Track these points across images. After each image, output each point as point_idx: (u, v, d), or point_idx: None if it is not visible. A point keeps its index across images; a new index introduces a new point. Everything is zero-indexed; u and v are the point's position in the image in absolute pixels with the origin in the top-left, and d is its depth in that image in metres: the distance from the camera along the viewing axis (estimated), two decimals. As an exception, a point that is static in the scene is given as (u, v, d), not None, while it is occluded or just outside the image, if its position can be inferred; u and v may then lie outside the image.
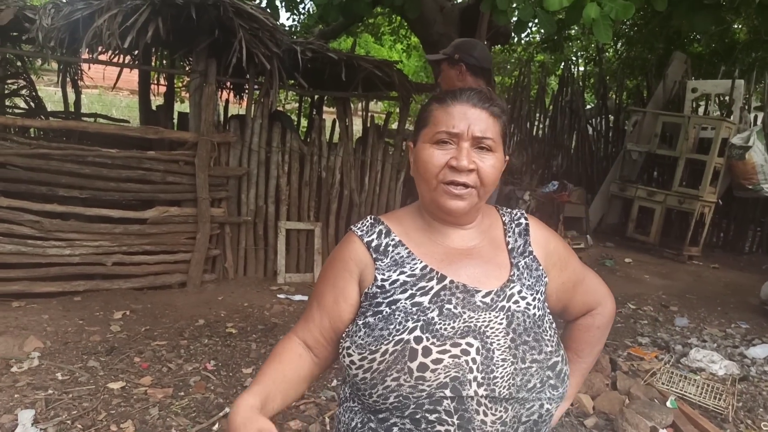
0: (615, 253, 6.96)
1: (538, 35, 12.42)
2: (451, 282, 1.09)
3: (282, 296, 4.66)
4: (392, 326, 1.05)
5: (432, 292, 1.08)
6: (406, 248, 1.14)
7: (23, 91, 6.04)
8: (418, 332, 1.03)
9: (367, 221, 1.20)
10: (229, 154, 4.76)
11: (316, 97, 6.87)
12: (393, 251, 1.14)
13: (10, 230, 4.02)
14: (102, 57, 4.81)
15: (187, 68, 6.53)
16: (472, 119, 1.08)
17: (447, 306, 1.06)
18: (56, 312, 3.91)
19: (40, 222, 4.09)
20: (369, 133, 5.39)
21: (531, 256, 1.18)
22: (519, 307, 1.09)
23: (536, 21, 3.70)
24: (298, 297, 4.67)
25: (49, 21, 3.87)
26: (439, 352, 1.01)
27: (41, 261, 4.15)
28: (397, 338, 1.03)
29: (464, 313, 1.06)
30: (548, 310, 1.16)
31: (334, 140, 6.05)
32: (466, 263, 1.13)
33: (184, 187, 4.54)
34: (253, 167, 4.86)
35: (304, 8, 10.46)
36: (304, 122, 8.05)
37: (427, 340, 1.02)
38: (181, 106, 7.71)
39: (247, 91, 5.25)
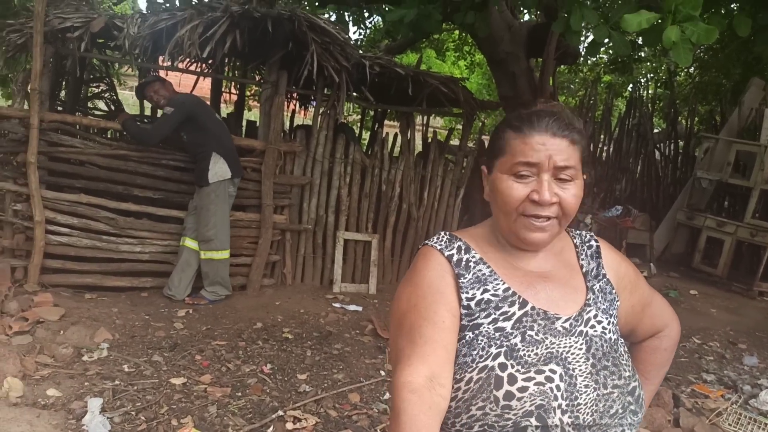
0: (679, 284, 6.68)
1: (605, 55, 12.17)
2: (533, 308, 1.06)
3: (337, 305, 4.72)
4: (475, 352, 1.02)
5: (514, 317, 1.05)
6: (488, 266, 1.10)
7: (105, 94, 6.39)
8: (502, 359, 1.00)
9: (444, 236, 1.15)
10: (294, 163, 4.88)
11: (378, 110, 6.95)
12: (474, 267, 1.09)
13: (88, 225, 4.26)
14: (178, 65, 5.07)
15: (258, 78, 6.76)
16: (552, 149, 1.03)
17: (529, 332, 1.04)
18: (125, 306, 4.09)
19: (115, 219, 4.31)
20: (431, 148, 5.41)
21: (604, 279, 1.17)
22: (596, 331, 1.08)
23: (609, 42, 3.64)
24: (352, 307, 4.70)
25: (135, 30, 4.09)
26: (524, 380, 0.98)
27: (113, 256, 4.37)
28: (481, 365, 1.01)
29: (546, 339, 1.04)
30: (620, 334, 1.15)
31: (394, 154, 6.11)
32: (543, 286, 1.11)
33: (249, 192, 4.68)
34: (316, 177, 4.97)
35: (370, 23, 10.65)
36: (364, 134, 8.15)
37: (512, 367, 0.99)
38: (248, 115, 7.97)
39: (312, 102, 5.39)
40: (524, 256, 1.14)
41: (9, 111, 4.02)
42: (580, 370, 1.02)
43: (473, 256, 1.11)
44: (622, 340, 1.13)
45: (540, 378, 0.99)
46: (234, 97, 7.30)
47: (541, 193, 1.03)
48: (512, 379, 0.98)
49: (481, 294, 1.06)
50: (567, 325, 1.07)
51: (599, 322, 1.09)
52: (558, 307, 1.09)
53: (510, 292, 1.08)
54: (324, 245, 5.14)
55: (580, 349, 1.05)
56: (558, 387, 0.99)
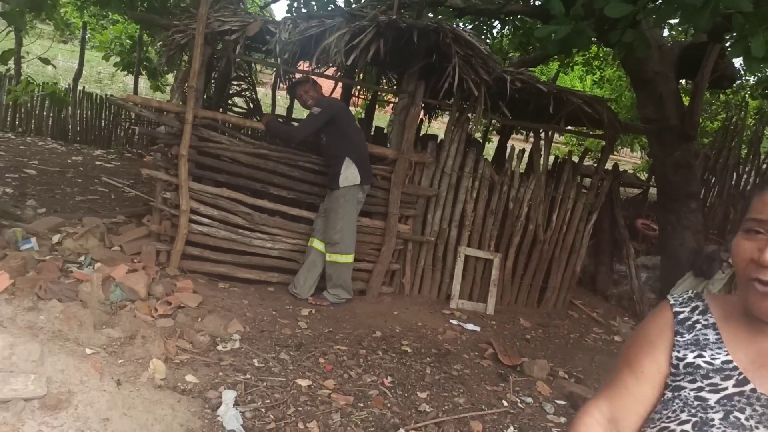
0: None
1: (752, 77, 11.11)
2: (753, 391, 0.93)
3: (455, 322, 4.62)
4: (666, 412, 0.97)
5: (723, 393, 0.94)
6: (717, 333, 1.02)
7: (245, 93, 6.73)
8: (687, 427, 0.92)
9: (687, 294, 1.11)
10: (422, 174, 4.84)
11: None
12: (700, 330, 1.03)
13: (226, 218, 4.47)
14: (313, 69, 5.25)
15: (388, 85, 6.84)
16: None
17: (736, 413, 0.91)
18: (254, 299, 4.25)
19: (251, 215, 4.49)
20: (564, 168, 5.17)
21: None
22: None
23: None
24: (470, 326, 4.59)
25: (286, 35, 4.24)
26: None
27: (245, 249, 4.56)
28: (663, 425, 0.96)
29: (757, 428, 0.90)
30: None
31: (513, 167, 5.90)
32: None
33: (377, 200, 4.71)
34: (443, 189, 4.90)
35: (498, 33, 10.44)
36: (486, 148, 8.00)
37: None
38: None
39: (440, 112, 5.30)
40: None
41: (168, 106, 4.32)
42: None
43: (706, 320, 1.05)
44: None
45: None
46: (361, 102, 7.45)
47: (763, 252, 0.92)
48: None
49: (693, 358, 1.01)
50: None
51: None
52: None
53: (730, 365, 0.97)
54: (444, 259, 5.06)
55: None
56: None
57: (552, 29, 4.07)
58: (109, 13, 12.12)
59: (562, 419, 3.38)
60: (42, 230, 4.33)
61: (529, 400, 3.53)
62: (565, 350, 4.56)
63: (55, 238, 4.29)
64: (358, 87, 7.20)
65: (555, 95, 4.58)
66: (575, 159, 5.39)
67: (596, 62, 12.91)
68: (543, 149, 5.13)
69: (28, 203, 5.55)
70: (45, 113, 9.53)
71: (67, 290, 3.35)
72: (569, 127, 5.40)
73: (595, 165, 5.91)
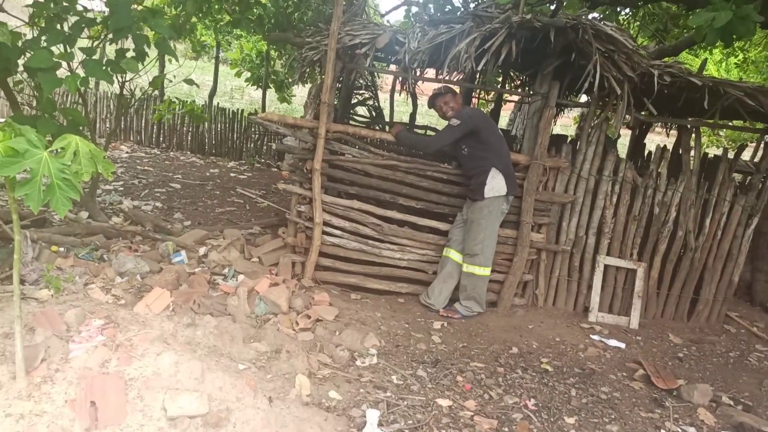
0: None
1: None
2: None
3: (596, 338, 4.32)
4: None
5: None
6: None
7: (368, 102, 6.79)
8: None
9: None
10: (557, 179, 4.58)
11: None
12: None
13: (357, 230, 4.51)
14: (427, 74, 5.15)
15: (510, 85, 6.58)
16: None
17: None
18: (386, 311, 4.24)
19: (381, 226, 4.49)
20: (719, 167, 4.65)
21: None
22: None
23: None
24: (613, 342, 4.26)
25: (415, 44, 4.18)
26: None
27: (375, 260, 4.57)
28: None
29: None
30: None
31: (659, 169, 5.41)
32: None
33: (509, 208, 4.51)
34: (579, 195, 4.61)
35: (624, 20, 9.73)
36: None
37: None
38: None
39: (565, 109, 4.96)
40: None
41: (302, 122, 4.42)
42: None
43: None
44: None
45: None
46: (478, 103, 7.25)
47: None
48: None
49: None
50: None
51: None
52: None
53: None
54: (581, 269, 4.76)
55: None
56: None
57: (710, 15, 3.67)
58: (235, 30, 12.85)
59: (733, 454, 3.02)
60: (190, 243, 4.63)
61: (692, 430, 3.19)
62: (726, 371, 4.10)
63: (202, 250, 4.57)
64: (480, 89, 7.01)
65: (710, 88, 4.12)
66: (730, 156, 4.82)
67: (739, 43, 11.65)
68: (694, 147, 4.65)
69: (176, 216, 5.99)
70: (185, 129, 10.31)
71: (217, 304, 3.52)
72: (723, 122, 4.85)
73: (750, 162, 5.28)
